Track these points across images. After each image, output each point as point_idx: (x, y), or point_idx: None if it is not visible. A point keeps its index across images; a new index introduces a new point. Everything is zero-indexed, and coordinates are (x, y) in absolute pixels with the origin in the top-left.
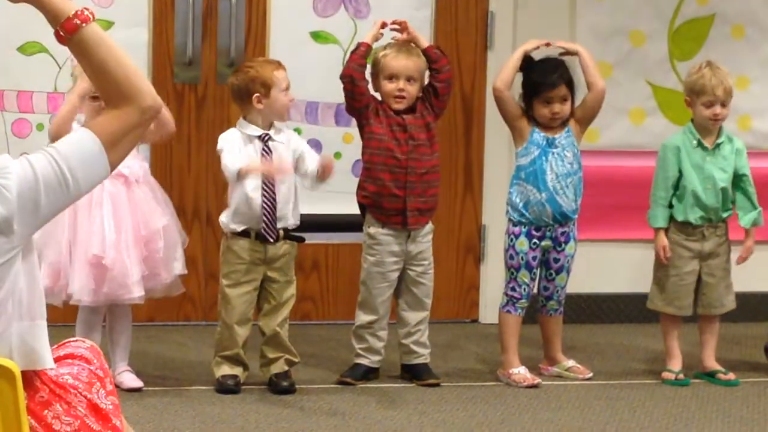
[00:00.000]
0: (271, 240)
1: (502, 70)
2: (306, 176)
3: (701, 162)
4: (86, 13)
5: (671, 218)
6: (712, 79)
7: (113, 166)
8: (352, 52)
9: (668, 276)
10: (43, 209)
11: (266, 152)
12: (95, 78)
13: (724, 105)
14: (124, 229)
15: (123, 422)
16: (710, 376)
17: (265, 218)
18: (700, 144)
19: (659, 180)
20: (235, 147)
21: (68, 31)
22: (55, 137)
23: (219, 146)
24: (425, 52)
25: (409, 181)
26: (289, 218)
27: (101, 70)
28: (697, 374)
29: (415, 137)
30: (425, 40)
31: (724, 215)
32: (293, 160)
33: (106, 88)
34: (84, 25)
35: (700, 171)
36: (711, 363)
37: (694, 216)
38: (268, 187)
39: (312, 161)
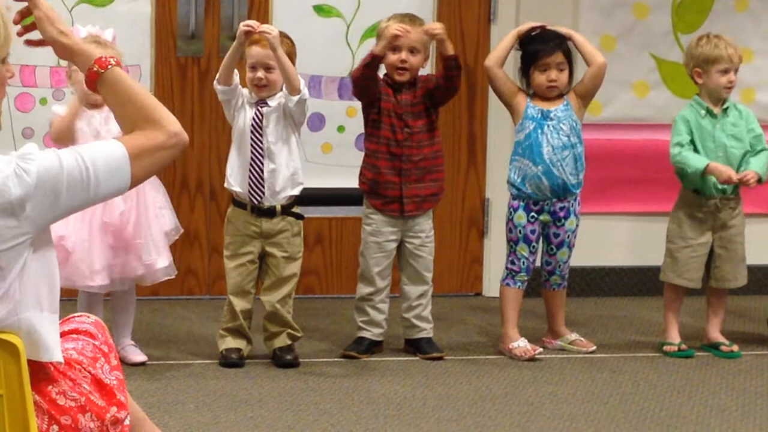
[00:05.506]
0: (257, 201)
1: (494, 50)
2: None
3: (712, 130)
4: (110, 60)
5: (683, 191)
6: (727, 48)
7: (134, 179)
8: (363, 61)
9: (681, 248)
10: (62, 201)
11: (257, 118)
12: (120, 110)
13: (736, 72)
14: (89, 215)
15: (127, 397)
16: (713, 348)
17: (251, 175)
18: (709, 112)
19: (675, 137)
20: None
21: (92, 81)
22: (57, 139)
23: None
24: (443, 58)
25: (404, 169)
26: (286, 190)
27: (125, 101)
28: (703, 346)
29: (410, 125)
30: (452, 47)
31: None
32: (284, 111)
33: (131, 116)
34: (103, 71)
35: (711, 140)
36: (715, 335)
37: (707, 184)
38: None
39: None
